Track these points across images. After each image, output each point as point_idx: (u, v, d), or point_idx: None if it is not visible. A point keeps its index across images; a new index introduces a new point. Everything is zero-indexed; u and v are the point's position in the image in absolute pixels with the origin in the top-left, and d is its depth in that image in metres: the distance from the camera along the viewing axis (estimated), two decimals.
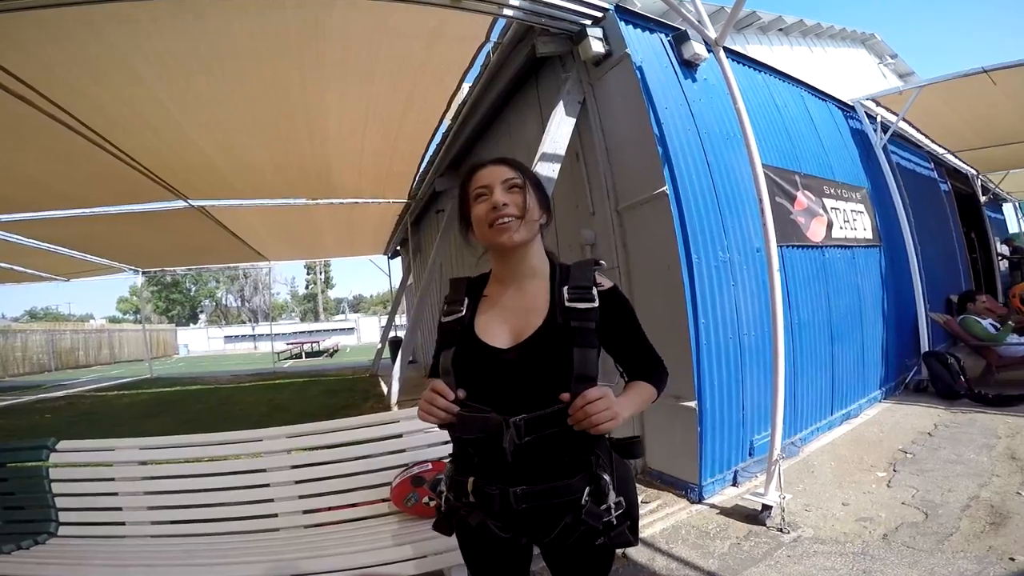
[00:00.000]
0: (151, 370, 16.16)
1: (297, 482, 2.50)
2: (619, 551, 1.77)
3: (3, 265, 10.70)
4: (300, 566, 2.07)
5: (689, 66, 3.69)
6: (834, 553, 2.38)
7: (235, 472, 2.52)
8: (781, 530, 2.64)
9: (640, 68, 3.37)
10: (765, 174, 3.09)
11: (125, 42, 3.27)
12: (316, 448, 2.58)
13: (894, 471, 3.28)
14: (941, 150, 7.87)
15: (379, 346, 13.55)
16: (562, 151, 3.53)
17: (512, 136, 5.20)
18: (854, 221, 4.93)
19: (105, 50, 3.32)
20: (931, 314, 5.60)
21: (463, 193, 1.20)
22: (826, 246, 4.43)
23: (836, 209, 4.69)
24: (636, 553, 2.50)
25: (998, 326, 5.34)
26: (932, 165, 7.76)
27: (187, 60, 3.56)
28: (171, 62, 3.56)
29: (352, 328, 40.55)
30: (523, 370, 1.07)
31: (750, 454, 3.38)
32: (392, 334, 12.41)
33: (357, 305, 64.05)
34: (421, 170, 6.97)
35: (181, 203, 7.02)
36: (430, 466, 2.40)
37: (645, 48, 3.51)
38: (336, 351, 24.37)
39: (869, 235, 5.14)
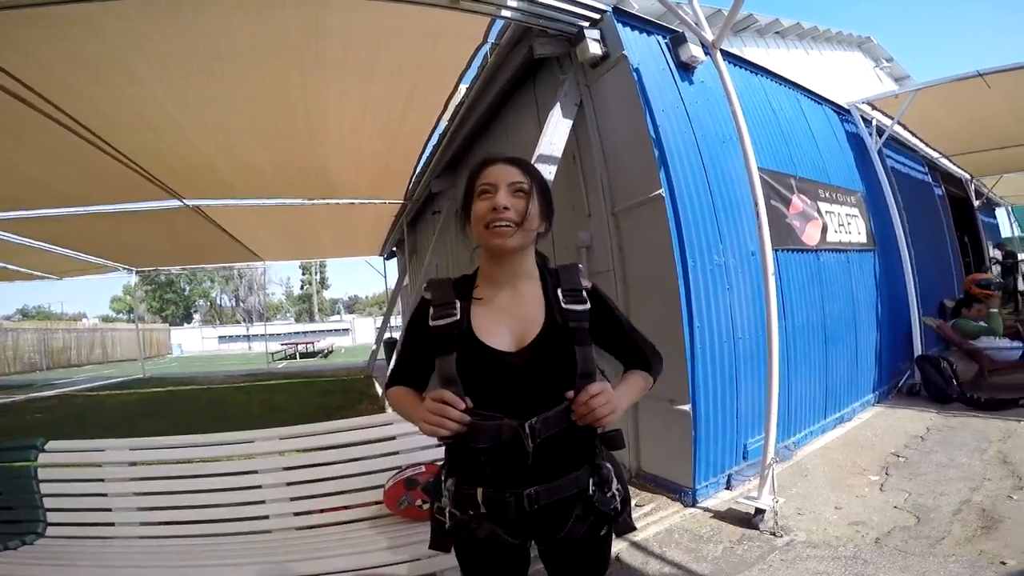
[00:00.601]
0: (144, 370, 16.05)
1: (289, 484, 2.49)
2: (612, 554, 1.76)
3: None
4: (292, 568, 2.06)
5: (686, 68, 3.69)
6: (827, 557, 2.37)
7: (227, 473, 2.51)
8: (774, 534, 2.63)
9: (637, 70, 3.38)
10: (761, 177, 3.09)
11: (123, 40, 3.24)
12: (309, 450, 2.57)
13: (887, 475, 3.29)
14: (935, 154, 7.91)
15: (374, 347, 13.51)
16: (559, 153, 3.52)
17: (509, 137, 5.19)
18: (849, 225, 4.95)
19: (103, 49, 3.29)
20: (924, 318, 5.63)
21: (469, 185, 1.19)
22: (821, 250, 4.45)
23: (831, 213, 4.70)
24: (629, 557, 2.49)
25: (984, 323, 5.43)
26: (926, 169, 7.80)
27: (186, 59, 3.53)
28: (170, 61, 3.53)
29: (347, 329, 40.43)
30: (532, 372, 1.08)
31: (744, 457, 3.38)
32: (387, 335, 12.37)
33: (352, 306, 63.89)
34: (418, 171, 6.95)
35: (176, 203, 6.97)
36: (423, 468, 2.39)
37: (642, 50, 3.52)
38: (331, 352, 24.27)
39: (864, 239, 5.16)
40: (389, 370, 1.31)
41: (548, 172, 3.46)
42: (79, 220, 7.54)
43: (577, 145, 3.91)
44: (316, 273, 54.52)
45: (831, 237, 4.61)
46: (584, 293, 1.16)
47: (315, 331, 37.06)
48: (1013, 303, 10.82)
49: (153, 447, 2.61)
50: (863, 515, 2.77)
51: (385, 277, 14.96)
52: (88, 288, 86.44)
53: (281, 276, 59.41)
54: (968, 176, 9.60)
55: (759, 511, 2.73)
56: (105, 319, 44.22)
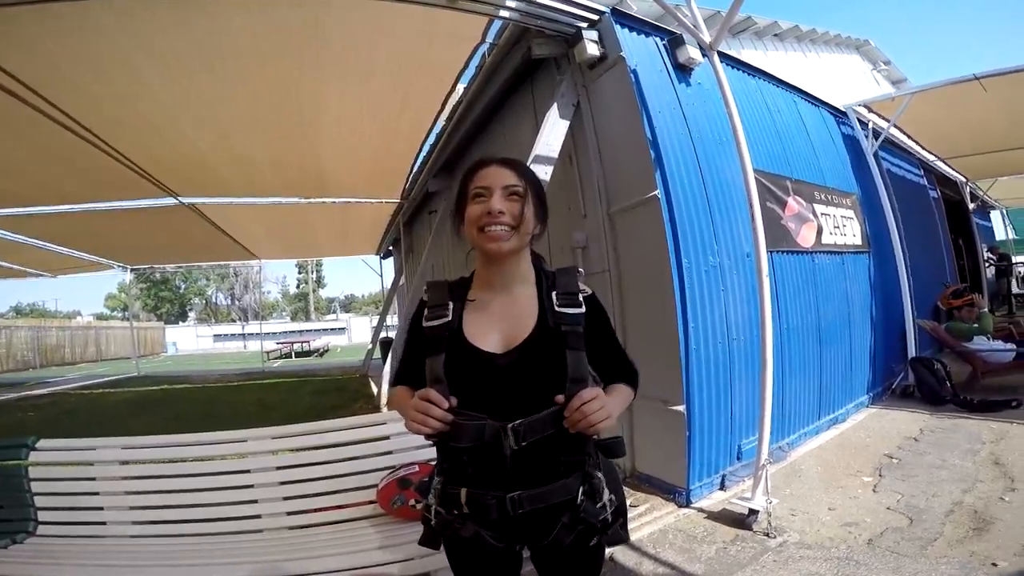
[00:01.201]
0: (138, 368, 15.97)
1: (282, 483, 2.48)
2: (607, 554, 1.76)
3: None
4: (283, 568, 2.05)
5: (683, 70, 3.70)
6: (819, 558, 2.38)
7: (219, 472, 2.50)
8: (768, 535, 2.64)
9: (635, 71, 3.38)
10: (756, 179, 3.10)
11: (127, 38, 3.24)
12: (302, 449, 2.56)
13: (880, 476, 3.30)
14: (931, 157, 7.95)
15: (369, 347, 13.48)
16: (555, 153, 3.52)
17: (507, 137, 5.19)
18: (844, 227, 4.97)
19: (106, 46, 3.29)
20: (919, 320, 5.65)
21: (463, 187, 1.18)
22: (816, 252, 4.46)
23: (826, 215, 4.72)
24: (623, 557, 2.49)
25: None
26: (922, 172, 7.85)
27: (188, 57, 3.53)
28: (172, 59, 3.53)
29: (343, 328, 40.28)
30: (519, 375, 1.07)
31: (738, 458, 3.39)
32: (383, 335, 12.35)
33: (349, 305, 63.75)
34: (415, 170, 6.95)
35: (172, 200, 6.95)
36: (417, 468, 2.39)
37: (640, 51, 3.52)
38: (326, 351, 24.22)
39: (859, 241, 5.18)
40: (395, 370, 1.30)
41: (544, 173, 3.45)
42: (74, 217, 7.52)
43: (574, 146, 3.91)
44: (312, 272, 54.44)
45: (826, 239, 4.62)
46: (580, 297, 1.14)
47: (311, 330, 36.91)
48: (1007, 305, 10.90)
49: (145, 446, 2.60)
50: (856, 516, 2.78)
51: (381, 276, 14.93)
52: (83, 286, 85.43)
53: (277, 275, 59.24)
54: (963, 179, 9.66)
55: (753, 512, 2.74)
56: (100, 317, 43.90)
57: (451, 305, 1.14)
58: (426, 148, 6.16)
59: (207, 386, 11.47)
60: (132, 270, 15.16)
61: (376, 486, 2.41)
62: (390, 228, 10.68)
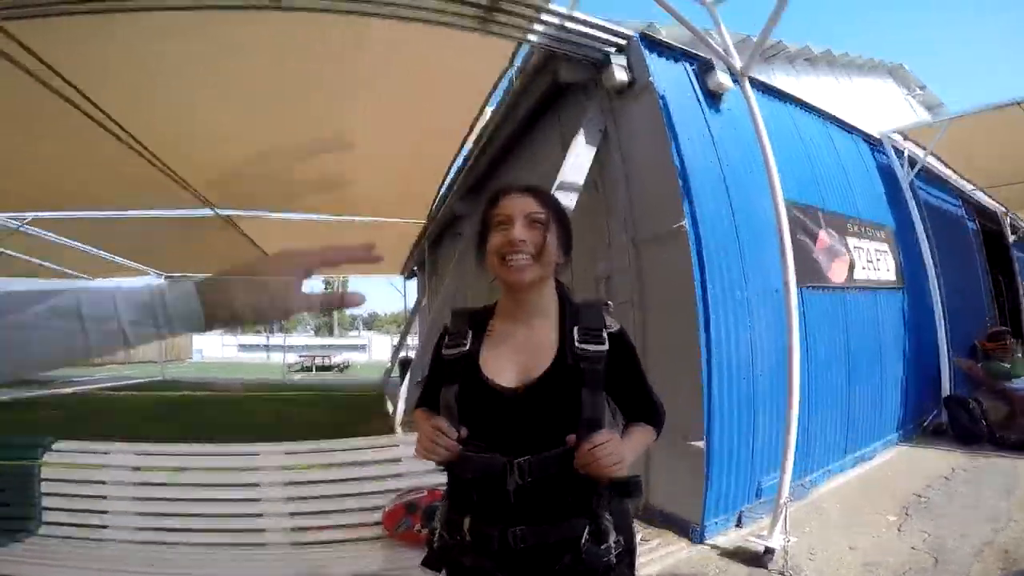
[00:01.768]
0: (163, 373, 16.29)
1: (289, 499, 2.45)
2: None
3: (34, 261, 10.95)
4: None
5: (713, 96, 3.66)
6: None
7: (227, 485, 2.48)
8: (783, 574, 2.53)
9: (663, 97, 3.35)
10: (787, 211, 3.01)
11: (177, 48, 3.35)
12: (313, 466, 2.53)
13: (907, 515, 3.16)
14: (969, 186, 7.65)
15: (388, 365, 13.52)
16: (581, 180, 3.49)
17: (533, 162, 5.20)
18: (877, 261, 4.80)
19: (158, 55, 3.40)
20: (955, 359, 5.42)
21: (485, 216, 1.16)
22: (847, 288, 4.31)
23: (859, 248, 4.57)
24: None
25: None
26: (960, 202, 7.52)
27: (237, 71, 3.65)
28: (222, 71, 3.64)
29: (364, 345, 40.58)
30: (530, 411, 1.04)
31: (757, 495, 3.24)
32: (403, 354, 12.38)
33: (371, 323, 64.39)
34: (441, 192, 7.01)
35: (208, 211, 7.14)
36: (425, 493, 2.34)
37: (669, 77, 3.49)
38: (347, 367, 24.41)
39: (892, 276, 5.00)
40: (419, 393, 1.31)
41: (570, 199, 3.42)
42: (114, 223, 7.79)
43: (600, 172, 3.87)
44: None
45: (859, 275, 4.47)
46: (604, 334, 1.09)
47: (332, 345, 37.29)
48: None
49: (158, 453, 2.60)
50: (878, 556, 2.65)
51: (404, 297, 15.04)
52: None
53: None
54: (1003, 209, 9.25)
55: (769, 550, 2.63)
56: None
57: (470, 335, 1.13)
58: (453, 170, 6.21)
59: (229, 395, 11.61)
60: (165, 277, 15.57)
61: (383, 508, 2.36)
62: (415, 249, 10.77)
